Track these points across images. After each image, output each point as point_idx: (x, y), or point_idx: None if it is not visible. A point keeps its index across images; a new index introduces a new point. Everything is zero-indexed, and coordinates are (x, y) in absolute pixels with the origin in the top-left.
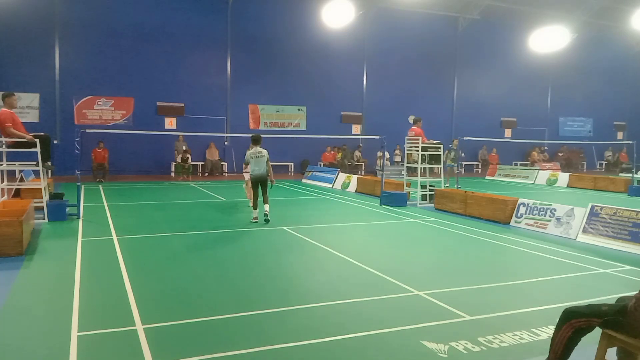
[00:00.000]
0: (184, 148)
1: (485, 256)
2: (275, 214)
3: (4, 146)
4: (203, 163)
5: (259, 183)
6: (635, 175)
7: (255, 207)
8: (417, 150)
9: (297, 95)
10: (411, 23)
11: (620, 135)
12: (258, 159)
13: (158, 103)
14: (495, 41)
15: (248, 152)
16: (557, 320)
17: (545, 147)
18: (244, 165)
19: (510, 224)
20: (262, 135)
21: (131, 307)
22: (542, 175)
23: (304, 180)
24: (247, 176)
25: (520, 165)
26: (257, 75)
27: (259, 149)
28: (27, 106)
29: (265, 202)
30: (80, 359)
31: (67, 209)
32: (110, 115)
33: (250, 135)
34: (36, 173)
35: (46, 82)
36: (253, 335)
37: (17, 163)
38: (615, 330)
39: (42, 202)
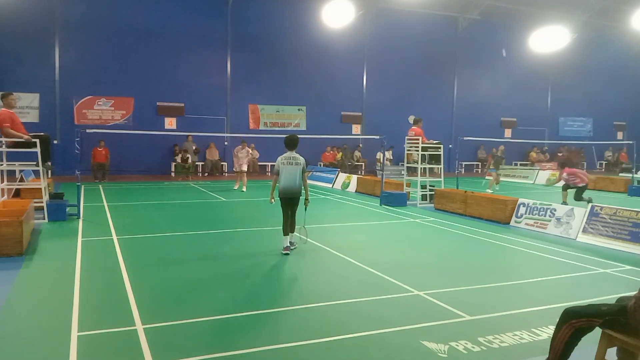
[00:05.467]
0: (194, 147)
1: (485, 256)
2: (275, 213)
3: (4, 146)
4: (203, 163)
5: (290, 201)
6: (635, 175)
7: (285, 232)
8: (417, 150)
9: (297, 95)
10: (411, 23)
11: (620, 135)
12: (291, 166)
13: (158, 103)
14: (495, 41)
15: (279, 158)
16: (557, 320)
17: (546, 147)
18: (274, 177)
19: (510, 224)
20: (298, 136)
21: (131, 307)
22: (542, 175)
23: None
24: (239, 167)
25: (520, 165)
26: (257, 75)
27: (294, 154)
28: (27, 106)
29: (292, 228)
30: (80, 359)
31: (67, 209)
32: (110, 115)
33: (285, 136)
34: (36, 173)
35: (46, 82)
36: (253, 335)
37: (17, 163)
38: (615, 330)
39: (42, 202)
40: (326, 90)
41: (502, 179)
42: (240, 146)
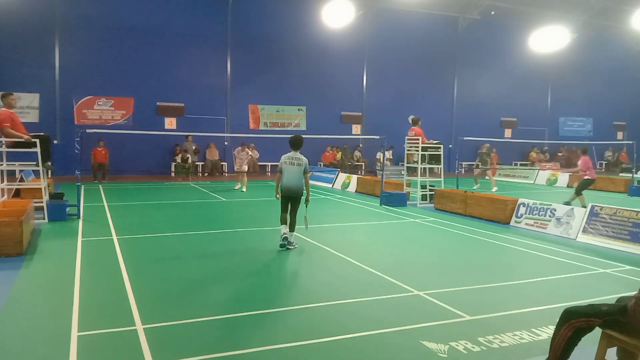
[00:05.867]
0: (194, 147)
1: (485, 256)
2: (275, 213)
3: (4, 146)
4: (203, 163)
5: (290, 199)
6: (635, 175)
7: (282, 222)
8: (417, 150)
9: (297, 95)
10: (411, 23)
11: (620, 135)
12: (293, 166)
13: (158, 103)
14: (495, 41)
15: (283, 157)
16: (557, 320)
17: (546, 147)
18: (277, 175)
19: (510, 224)
20: (303, 136)
21: (131, 307)
22: (542, 175)
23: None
24: (239, 167)
25: (520, 165)
26: (257, 75)
27: (297, 154)
28: (27, 106)
29: (291, 227)
30: (80, 359)
31: (67, 209)
32: (110, 115)
33: (290, 137)
34: (36, 173)
35: (46, 82)
36: (253, 335)
37: (17, 163)
38: (615, 330)
39: (42, 202)
40: (326, 90)
41: (501, 178)
42: (240, 148)
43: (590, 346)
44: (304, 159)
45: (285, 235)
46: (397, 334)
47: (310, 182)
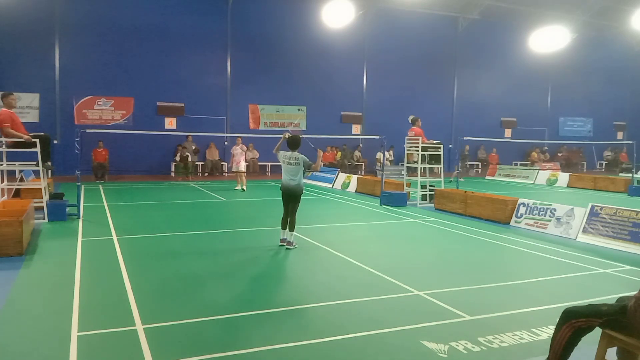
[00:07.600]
0: (194, 147)
1: (485, 256)
2: (275, 213)
3: (4, 146)
4: (203, 163)
5: (289, 197)
6: (635, 175)
7: (283, 226)
8: (417, 150)
9: (297, 95)
10: (411, 23)
11: (620, 135)
12: (291, 166)
13: (158, 103)
14: (495, 41)
15: (281, 153)
16: (557, 320)
17: (546, 147)
18: (275, 149)
19: (510, 224)
20: (301, 137)
21: (131, 307)
22: (542, 175)
23: (303, 180)
24: (237, 167)
25: (520, 165)
26: (257, 75)
27: (295, 153)
28: (27, 106)
29: (290, 227)
30: (80, 359)
31: (67, 209)
32: (110, 115)
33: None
34: (36, 173)
35: (46, 82)
36: (253, 335)
37: (17, 163)
38: (615, 330)
39: (42, 202)
40: (326, 90)
41: (502, 178)
42: (235, 144)
43: (590, 346)
44: (301, 157)
45: (282, 244)
46: (397, 334)
47: (310, 182)
